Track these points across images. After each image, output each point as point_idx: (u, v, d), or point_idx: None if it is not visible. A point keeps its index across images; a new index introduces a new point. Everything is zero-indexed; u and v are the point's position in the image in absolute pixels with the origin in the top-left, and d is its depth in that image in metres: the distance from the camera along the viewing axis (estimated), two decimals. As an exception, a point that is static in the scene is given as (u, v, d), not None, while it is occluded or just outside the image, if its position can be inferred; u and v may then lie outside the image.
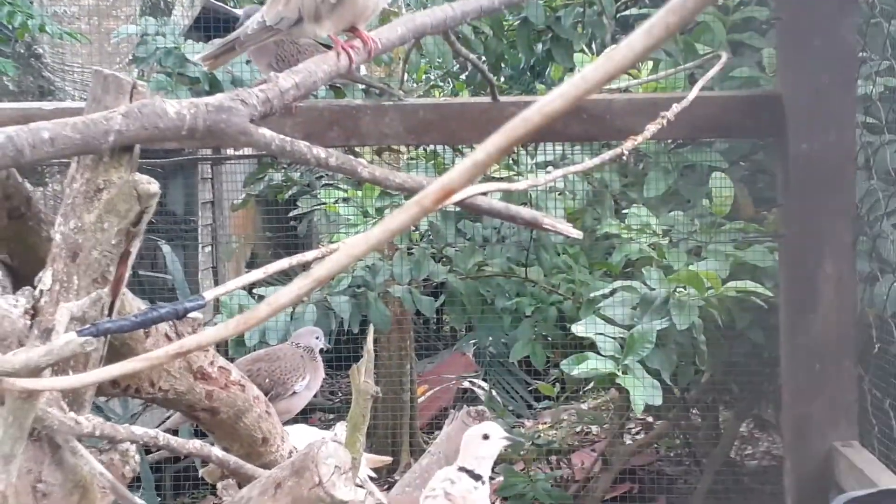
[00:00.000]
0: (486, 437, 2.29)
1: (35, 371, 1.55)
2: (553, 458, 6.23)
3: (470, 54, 3.19)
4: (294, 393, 2.85)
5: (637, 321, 3.99)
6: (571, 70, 5.29)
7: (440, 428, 6.25)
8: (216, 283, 6.88)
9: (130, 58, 5.93)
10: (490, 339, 6.36)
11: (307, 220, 6.63)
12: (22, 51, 5.71)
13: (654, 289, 4.09)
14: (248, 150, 6.34)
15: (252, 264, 7.15)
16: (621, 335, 3.95)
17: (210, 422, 2.19)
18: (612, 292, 4.21)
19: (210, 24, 6.89)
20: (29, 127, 1.77)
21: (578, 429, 6.86)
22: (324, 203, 5.52)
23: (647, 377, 3.80)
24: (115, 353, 1.97)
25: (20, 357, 1.55)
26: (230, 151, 6.67)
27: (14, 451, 1.61)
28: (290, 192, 6.29)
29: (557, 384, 6.82)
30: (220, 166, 7.27)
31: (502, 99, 3.26)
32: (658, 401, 3.75)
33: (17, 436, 1.60)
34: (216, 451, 1.88)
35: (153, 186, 1.84)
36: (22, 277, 1.95)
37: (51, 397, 1.72)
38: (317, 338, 3.19)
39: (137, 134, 1.85)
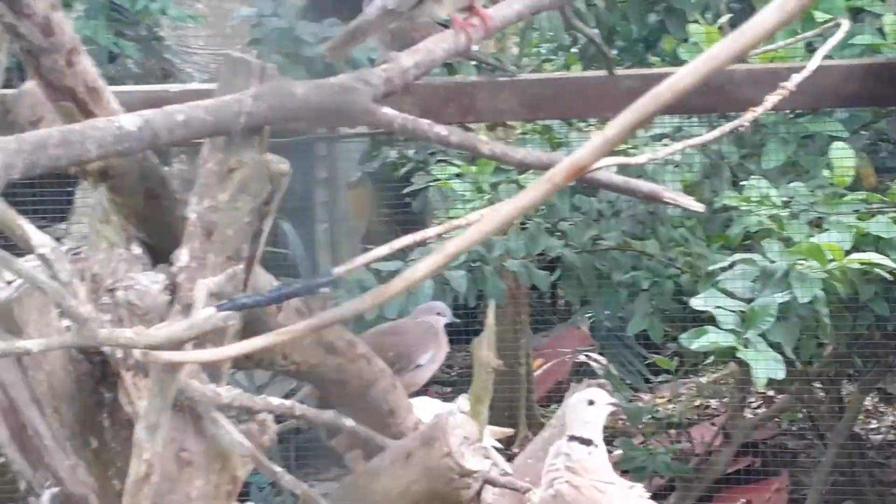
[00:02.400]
0: (591, 402, 2.31)
1: (178, 344, 1.62)
2: (672, 431, 6.20)
3: (587, 29, 3.19)
4: (418, 366, 2.90)
5: (757, 294, 3.95)
6: (685, 41, 5.23)
7: (557, 402, 6.26)
8: (333, 261, 7.00)
9: (248, 40, 6.04)
10: (607, 313, 6.34)
11: (422, 196, 6.70)
12: (144, 34, 5.87)
13: (774, 261, 4.04)
14: (363, 129, 6.42)
15: (368, 241, 7.25)
16: (741, 309, 3.91)
17: (339, 394, 2.25)
18: (732, 265, 4.17)
19: (325, 4, 6.98)
20: (164, 110, 1.85)
21: (697, 403, 6.81)
22: (437, 179, 5.57)
23: (769, 351, 3.76)
24: (247, 328, 2.04)
25: (164, 331, 1.63)
26: (346, 130, 6.77)
27: (159, 420, 1.69)
28: (404, 169, 6.35)
29: (675, 358, 6.77)
30: (336, 145, 7.38)
31: (619, 72, 3.25)
32: (781, 375, 3.71)
33: (162, 406, 1.68)
34: (348, 422, 1.94)
35: (284, 166, 1.91)
36: (159, 255, 2.03)
37: (191, 370, 1.80)
38: (438, 313, 3.23)
39: (267, 115, 1.91)
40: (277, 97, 1.91)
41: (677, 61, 4.92)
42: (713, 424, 6.15)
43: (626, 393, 7.15)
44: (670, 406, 6.78)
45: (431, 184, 5.55)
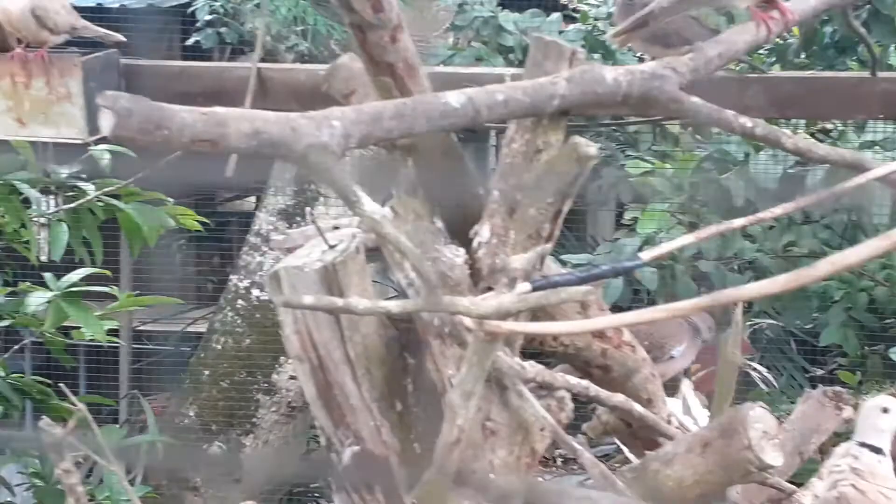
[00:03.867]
0: (885, 410, 2.28)
1: (504, 316, 1.67)
2: None
3: (862, 29, 3.14)
4: (671, 357, 2.92)
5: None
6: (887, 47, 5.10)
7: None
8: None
9: (447, 25, 6.12)
10: (797, 322, 6.24)
11: (605, 189, 6.69)
12: (349, 17, 5.98)
13: None
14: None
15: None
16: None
17: (602, 379, 2.27)
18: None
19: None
20: (486, 89, 1.90)
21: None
22: (629, 176, 5.56)
23: None
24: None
25: (493, 302, 1.67)
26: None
27: (475, 389, 1.74)
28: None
29: (857, 372, 6.62)
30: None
31: (881, 74, 3.19)
32: None
33: (479, 375, 1.73)
34: (637, 407, 1.96)
35: (592, 149, 1.94)
36: (453, 230, 2.08)
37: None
38: (708, 326, 3.15)
39: (578, 99, 1.94)
40: (589, 81, 1.94)
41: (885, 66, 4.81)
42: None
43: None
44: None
45: (630, 179, 5.54)
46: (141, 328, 7.06)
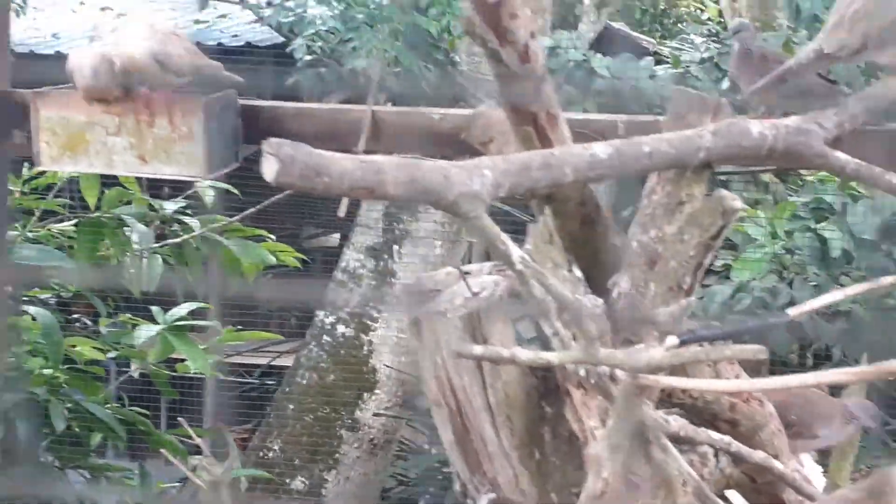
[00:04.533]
0: None
1: (657, 370, 1.67)
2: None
3: None
4: (814, 436, 2.81)
5: None
6: None
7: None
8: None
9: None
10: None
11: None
12: (440, 58, 6.05)
13: None
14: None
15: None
16: None
17: (729, 433, 2.25)
18: None
19: (610, 40, 7.04)
20: (632, 141, 1.91)
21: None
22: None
23: None
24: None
25: (644, 356, 1.67)
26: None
27: (622, 441, 1.74)
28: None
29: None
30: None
31: None
32: None
33: (626, 428, 1.73)
34: (777, 464, 1.94)
35: (737, 203, 1.93)
36: (588, 280, 2.08)
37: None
38: (870, 415, 3.04)
39: (723, 152, 1.94)
40: (735, 134, 1.94)
41: None
42: None
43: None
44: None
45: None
46: (223, 360, 7.14)
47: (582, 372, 1.82)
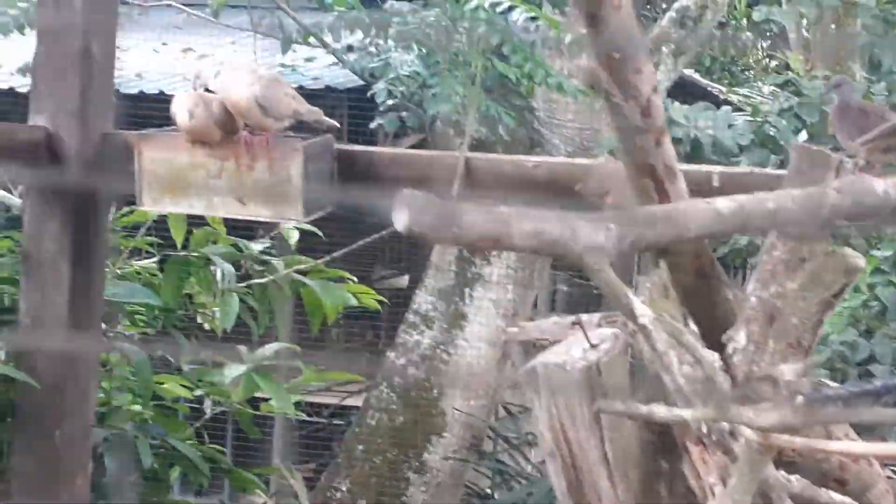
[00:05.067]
0: None
1: (786, 429, 1.65)
2: None
3: None
4: None
5: None
6: None
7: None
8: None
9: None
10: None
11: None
12: (518, 102, 6.08)
13: None
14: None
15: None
16: None
17: (838, 492, 2.22)
18: None
19: (683, 88, 7.04)
20: (756, 196, 1.90)
21: None
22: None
23: None
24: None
25: (773, 415, 1.66)
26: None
27: (744, 500, 1.72)
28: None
29: None
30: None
31: None
32: None
33: (750, 487, 1.72)
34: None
35: (860, 261, 1.92)
36: (702, 334, 2.07)
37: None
38: None
39: (847, 209, 1.93)
40: (859, 192, 1.93)
41: None
42: None
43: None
44: None
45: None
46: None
47: (703, 428, 1.81)
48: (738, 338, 1.99)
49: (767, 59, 11.76)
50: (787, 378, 1.79)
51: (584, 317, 2.21)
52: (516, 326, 2.29)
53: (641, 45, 1.90)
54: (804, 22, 8.69)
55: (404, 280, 7.47)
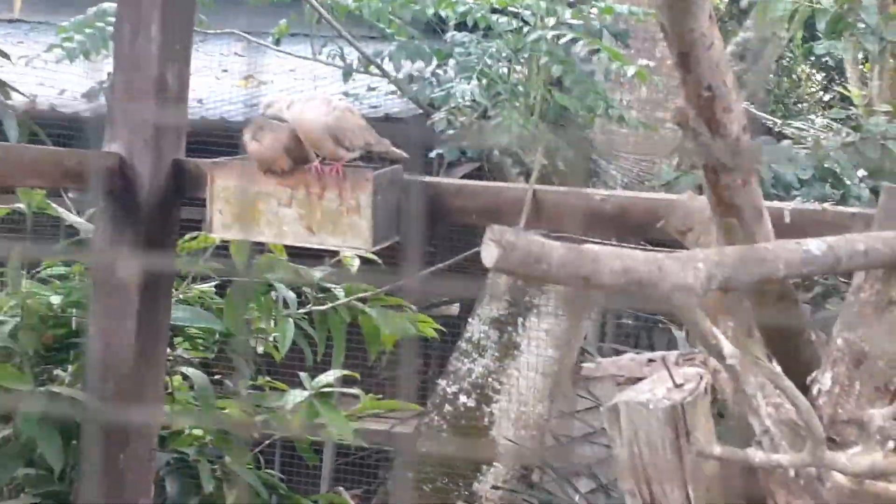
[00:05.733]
0: None
1: (879, 475, 1.63)
2: None
3: None
4: None
5: None
6: None
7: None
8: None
9: (674, 148, 6.15)
10: None
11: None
12: (576, 133, 6.08)
13: None
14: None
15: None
16: None
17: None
18: None
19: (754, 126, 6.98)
20: (847, 238, 1.89)
21: None
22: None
23: None
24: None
25: (866, 460, 1.64)
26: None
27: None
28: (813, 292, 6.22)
29: None
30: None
31: None
32: None
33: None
34: None
35: (951, 305, 1.89)
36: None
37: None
38: None
39: (936, 253, 1.91)
40: (950, 236, 1.91)
41: None
42: None
43: None
44: None
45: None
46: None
47: (791, 472, 1.79)
48: (824, 380, 1.96)
49: (822, 92, 11.69)
50: (878, 423, 1.77)
51: (658, 354, 2.20)
52: (592, 362, 2.28)
53: (732, 84, 1.89)
54: (860, 55, 8.64)
55: (455, 308, 7.47)
